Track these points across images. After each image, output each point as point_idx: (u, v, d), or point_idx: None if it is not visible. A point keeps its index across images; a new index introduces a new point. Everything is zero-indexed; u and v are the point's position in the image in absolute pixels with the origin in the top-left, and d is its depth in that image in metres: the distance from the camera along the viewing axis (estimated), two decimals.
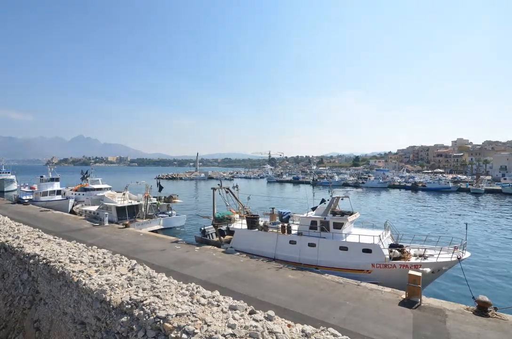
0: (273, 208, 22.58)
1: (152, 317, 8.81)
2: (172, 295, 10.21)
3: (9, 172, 77.74)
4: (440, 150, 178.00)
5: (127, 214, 31.24)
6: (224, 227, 22.90)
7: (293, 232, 18.61)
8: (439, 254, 15.13)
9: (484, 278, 19.54)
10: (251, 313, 9.27)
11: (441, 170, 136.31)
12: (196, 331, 8.07)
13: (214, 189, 24.18)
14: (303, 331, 8.46)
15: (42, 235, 20.21)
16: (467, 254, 15.34)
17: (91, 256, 15.06)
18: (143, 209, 31.91)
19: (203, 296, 10.18)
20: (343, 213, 18.33)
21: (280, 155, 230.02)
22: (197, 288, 10.87)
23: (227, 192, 24.97)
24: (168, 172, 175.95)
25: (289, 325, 8.78)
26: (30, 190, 50.17)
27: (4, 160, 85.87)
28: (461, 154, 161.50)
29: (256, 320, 8.78)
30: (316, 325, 9.36)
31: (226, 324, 8.41)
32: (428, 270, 13.79)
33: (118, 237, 23.19)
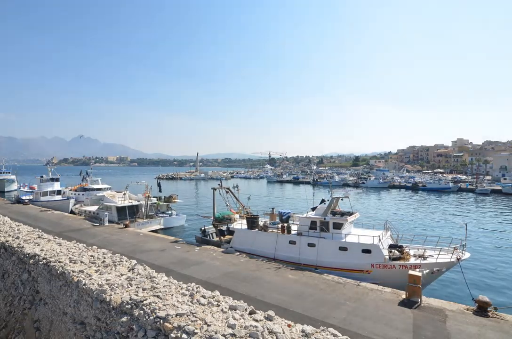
0: (273, 208, 22.58)
1: (152, 317, 8.82)
2: (172, 295, 10.22)
3: (9, 172, 77.80)
4: (440, 150, 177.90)
5: (127, 214, 31.25)
6: (224, 227, 22.90)
7: (293, 232, 18.63)
8: (439, 254, 15.15)
9: (484, 279, 19.52)
10: (251, 313, 9.28)
11: (441, 170, 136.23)
12: (196, 331, 8.08)
13: (214, 189, 24.21)
14: (303, 331, 8.46)
15: (42, 235, 20.23)
16: (466, 255, 15.34)
17: (91, 256, 15.08)
18: (143, 209, 31.92)
19: (203, 296, 10.19)
20: (343, 213, 18.33)
21: (280, 155, 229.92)
22: (197, 288, 10.88)
23: (227, 192, 25.00)
24: (168, 172, 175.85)
25: (289, 325, 8.78)
26: (30, 190, 50.17)
27: (4, 160, 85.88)
28: (461, 154, 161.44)
29: (256, 320, 8.79)
30: (316, 325, 9.36)
31: (226, 324, 8.42)
32: (426, 271, 13.79)
33: (118, 237, 23.19)
